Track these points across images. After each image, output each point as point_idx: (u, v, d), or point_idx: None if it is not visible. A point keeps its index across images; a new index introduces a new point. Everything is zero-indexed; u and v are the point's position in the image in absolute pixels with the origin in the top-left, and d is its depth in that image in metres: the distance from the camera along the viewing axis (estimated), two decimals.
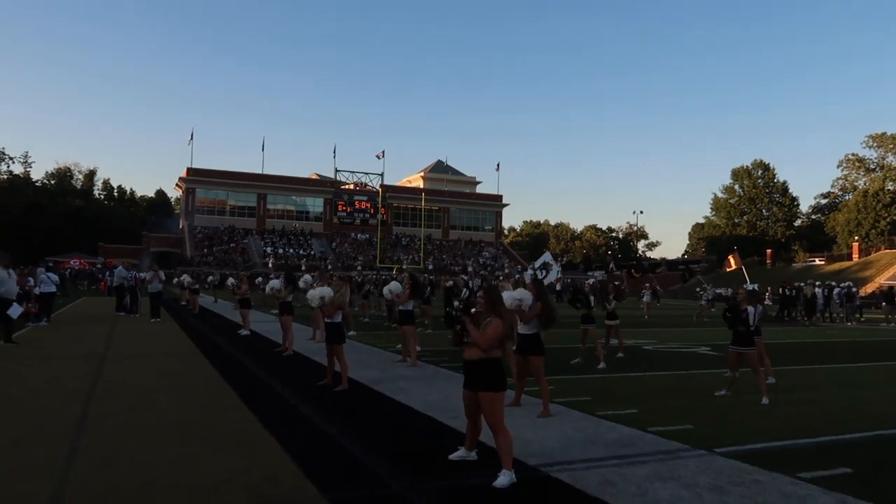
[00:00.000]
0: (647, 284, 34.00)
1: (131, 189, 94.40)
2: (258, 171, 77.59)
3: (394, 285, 12.64)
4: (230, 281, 29.31)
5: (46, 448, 5.31)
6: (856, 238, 67.29)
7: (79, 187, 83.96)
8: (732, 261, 29.65)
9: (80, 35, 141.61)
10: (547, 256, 14.37)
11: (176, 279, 31.96)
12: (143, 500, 4.16)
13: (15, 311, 12.34)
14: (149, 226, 75.81)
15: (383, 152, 78.80)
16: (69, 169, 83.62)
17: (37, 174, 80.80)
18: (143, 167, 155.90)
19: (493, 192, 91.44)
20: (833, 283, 29.79)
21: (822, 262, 67.21)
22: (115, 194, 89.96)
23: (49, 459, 4.98)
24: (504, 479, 4.54)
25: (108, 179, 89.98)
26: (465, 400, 5.06)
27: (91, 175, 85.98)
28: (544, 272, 13.59)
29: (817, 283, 29.86)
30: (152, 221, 79.24)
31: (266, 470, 4.81)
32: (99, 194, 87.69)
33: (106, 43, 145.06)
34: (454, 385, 8.83)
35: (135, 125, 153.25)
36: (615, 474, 4.93)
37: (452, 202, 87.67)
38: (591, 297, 11.84)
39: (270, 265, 59.87)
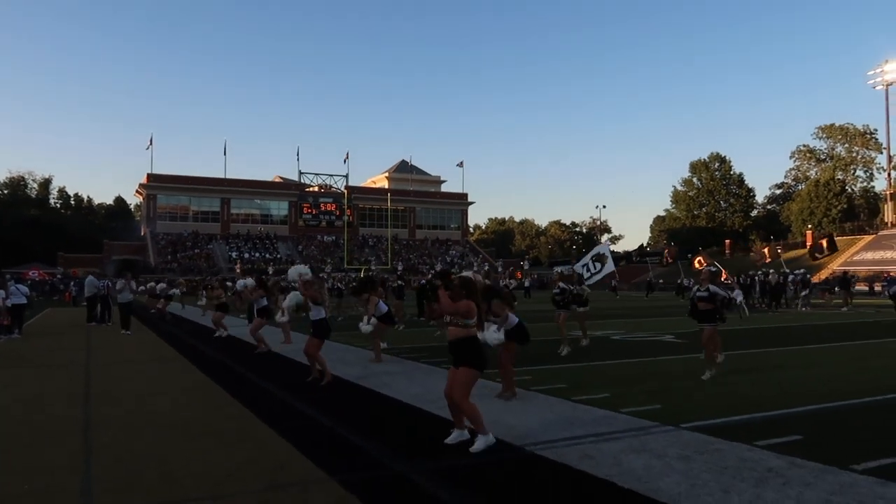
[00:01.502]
0: (735, 277, 32.01)
1: (88, 197, 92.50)
2: (221, 175, 76.86)
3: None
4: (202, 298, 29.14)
5: (62, 447, 5.62)
6: (809, 226, 69.83)
7: (34, 196, 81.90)
8: (702, 260, 30.69)
9: (31, 36, 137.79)
10: (603, 248, 13.19)
11: (142, 287, 31.75)
12: (168, 487, 4.52)
13: None
14: (110, 233, 74.35)
15: (347, 154, 78.94)
16: (23, 178, 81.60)
17: None
18: (101, 174, 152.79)
19: (458, 190, 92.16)
20: (787, 271, 31.04)
21: (778, 251, 69.52)
22: (72, 202, 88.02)
23: (69, 457, 5.30)
24: (480, 443, 5.04)
25: (64, 187, 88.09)
26: (448, 377, 5.53)
27: (46, 183, 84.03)
28: (598, 265, 12.75)
29: (782, 270, 31.02)
30: (115, 228, 77.65)
31: (275, 460, 5.19)
32: (55, 203, 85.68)
33: (58, 44, 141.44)
34: (434, 378, 9.30)
35: (90, 131, 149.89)
36: (593, 449, 5.44)
37: (418, 202, 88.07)
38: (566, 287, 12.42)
39: (238, 270, 59.45)
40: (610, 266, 12.39)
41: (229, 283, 26.60)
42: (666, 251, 29.85)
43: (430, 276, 35.26)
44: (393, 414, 7.06)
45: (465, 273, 9.32)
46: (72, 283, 44.30)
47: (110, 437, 6.04)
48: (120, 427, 6.42)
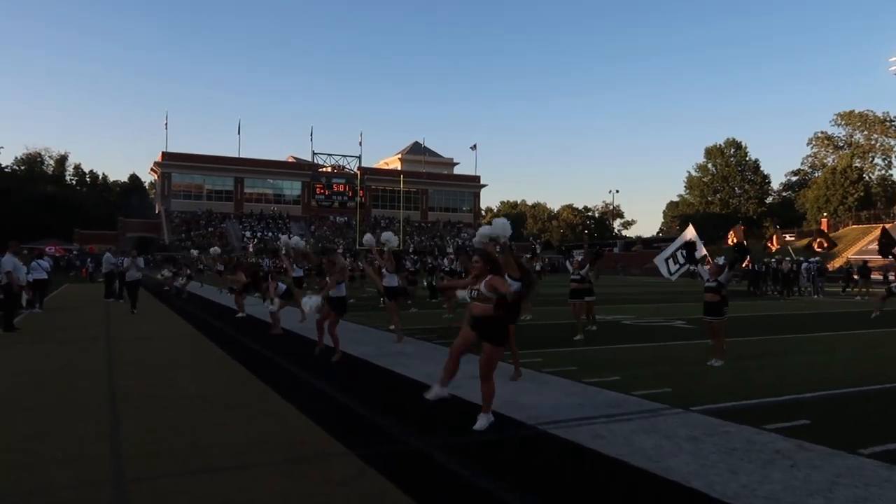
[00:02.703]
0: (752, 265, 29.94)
1: (103, 174, 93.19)
2: (234, 154, 77.14)
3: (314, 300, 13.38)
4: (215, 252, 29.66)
5: (91, 419, 5.83)
6: (825, 214, 69.15)
7: (50, 173, 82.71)
8: (733, 235, 30.28)
9: (47, 14, 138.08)
10: (690, 233, 11.56)
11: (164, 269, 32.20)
12: (196, 456, 4.72)
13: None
14: (125, 211, 75.07)
15: (361, 135, 78.89)
16: (39, 154, 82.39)
17: (5, 160, 79.41)
18: (116, 151, 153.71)
19: (471, 173, 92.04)
20: (801, 259, 30.92)
21: (793, 238, 69.01)
22: (88, 179, 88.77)
23: (98, 427, 5.51)
24: (483, 421, 5.40)
25: (80, 164, 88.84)
26: (462, 335, 5.70)
27: (62, 160, 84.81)
28: (684, 252, 11.42)
29: (797, 259, 30.89)
30: (129, 206, 78.35)
31: (295, 433, 5.38)
32: (71, 179, 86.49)
33: (73, 22, 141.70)
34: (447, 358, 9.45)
35: (105, 109, 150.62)
36: (604, 429, 5.57)
37: (430, 184, 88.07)
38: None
39: (250, 249, 59.87)
40: (701, 251, 11.19)
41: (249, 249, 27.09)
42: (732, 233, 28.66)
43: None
44: (408, 392, 7.21)
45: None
46: (88, 260, 44.95)
47: (136, 408, 6.26)
48: (144, 400, 6.63)
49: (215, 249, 28.57)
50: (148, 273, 50.05)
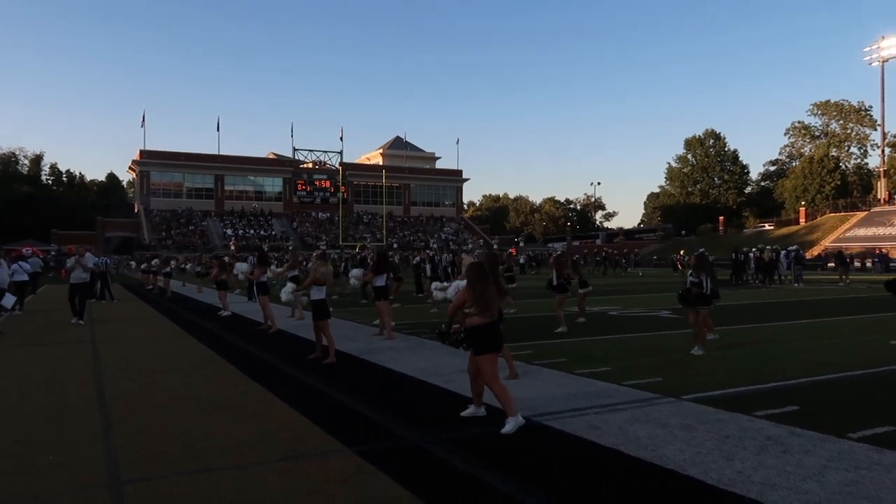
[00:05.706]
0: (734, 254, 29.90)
1: (80, 173, 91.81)
2: (214, 151, 76.39)
3: (356, 272, 13.63)
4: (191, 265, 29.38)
5: (82, 423, 5.77)
6: (802, 203, 70.12)
7: (26, 173, 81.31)
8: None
9: (19, 11, 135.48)
10: None
11: (145, 264, 31.83)
12: (192, 458, 4.69)
13: (8, 300, 12.49)
14: (103, 210, 74.02)
15: (342, 131, 78.55)
16: (14, 154, 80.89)
17: None
18: (93, 150, 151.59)
19: (453, 167, 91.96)
20: (779, 247, 31.33)
21: (772, 227, 69.93)
22: (65, 179, 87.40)
23: (90, 432, 5.45)
24: (510, 425, 5.24)
25: (56, 164, 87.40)
26: (470, 360, 5.70)
27: (37, 160, 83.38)
28: None
29: (774, 247, 31.29)
30: (108, 205, 77.27)
31: (291, 431, 5.36)
32: (47, 179, 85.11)
33: (45, 19, 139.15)
34: (439, 353, 9.47)
35: (81, 107, 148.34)
36: (598, 420, 5.63)
37: (413, 178, 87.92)
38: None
39: (232, 247, 59.40)
40: None
41: (227, 258, 26.66)
42: None
43: (425, 252, 35.29)
44: (402, 388, 7.23)
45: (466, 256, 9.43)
46: (67, 261, 44.29)
47: (128, 411, 6.20)
48: (135, 402, 6.57)
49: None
50: (129, 273, 49.59)
